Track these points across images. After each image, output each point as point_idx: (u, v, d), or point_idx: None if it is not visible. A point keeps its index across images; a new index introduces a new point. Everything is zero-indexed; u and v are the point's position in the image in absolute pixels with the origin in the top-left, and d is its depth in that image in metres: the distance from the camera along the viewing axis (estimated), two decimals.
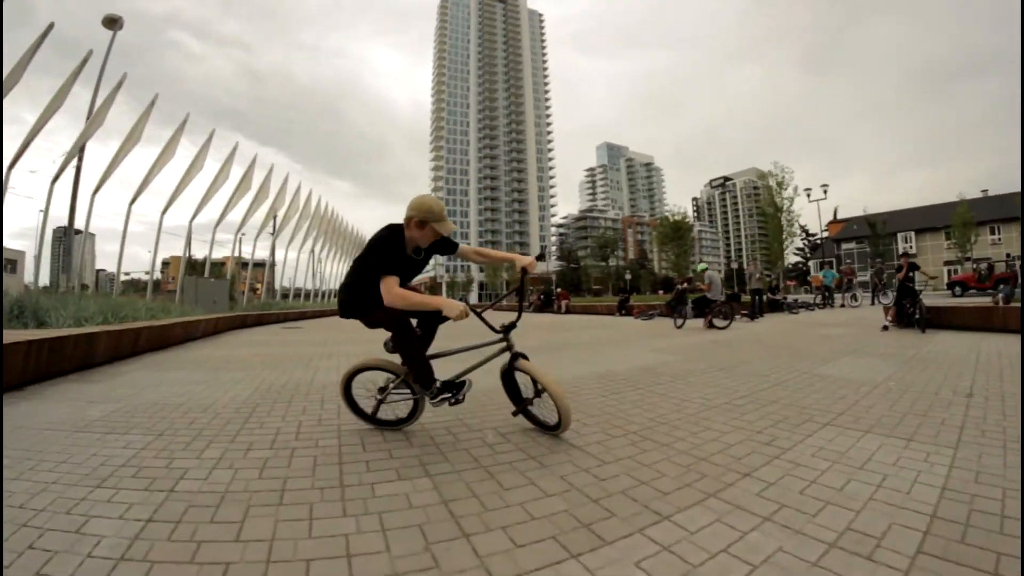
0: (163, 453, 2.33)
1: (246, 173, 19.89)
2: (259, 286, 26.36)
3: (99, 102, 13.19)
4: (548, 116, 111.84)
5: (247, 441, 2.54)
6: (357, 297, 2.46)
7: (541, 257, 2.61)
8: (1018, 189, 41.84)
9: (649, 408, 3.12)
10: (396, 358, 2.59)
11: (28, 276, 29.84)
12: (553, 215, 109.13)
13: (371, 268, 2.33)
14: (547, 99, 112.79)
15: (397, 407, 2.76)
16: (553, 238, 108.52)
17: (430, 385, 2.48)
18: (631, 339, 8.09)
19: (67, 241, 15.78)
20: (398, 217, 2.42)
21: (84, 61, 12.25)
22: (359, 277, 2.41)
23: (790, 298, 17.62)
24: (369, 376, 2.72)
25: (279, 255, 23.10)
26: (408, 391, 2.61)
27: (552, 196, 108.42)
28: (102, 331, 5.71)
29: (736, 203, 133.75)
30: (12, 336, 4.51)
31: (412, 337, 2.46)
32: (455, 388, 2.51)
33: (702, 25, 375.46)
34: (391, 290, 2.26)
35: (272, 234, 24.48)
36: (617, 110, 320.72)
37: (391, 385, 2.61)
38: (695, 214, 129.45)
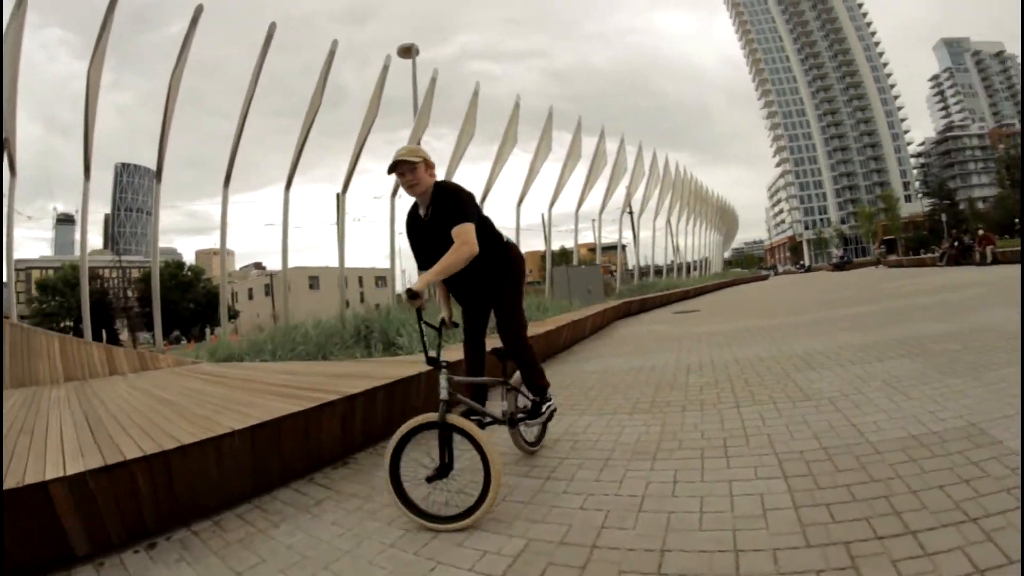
0: None
1: (596, 151, 18.45)
2: (614, 268, 25.03)
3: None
4: (870, 26, 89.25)
5: None
6: None
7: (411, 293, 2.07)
8: None
9: None
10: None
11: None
12: (908, 143, 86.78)
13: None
14: (860, 5, 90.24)
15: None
16: (915, 171, 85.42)
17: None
18: None
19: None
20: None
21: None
22: None
23: None
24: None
25: (629, 234, 24.37)
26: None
27: (903, 120, 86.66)
28: None
29: None
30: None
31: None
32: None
33: None
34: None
35: (629, 212, 22.67)
36: None
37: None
38: None
